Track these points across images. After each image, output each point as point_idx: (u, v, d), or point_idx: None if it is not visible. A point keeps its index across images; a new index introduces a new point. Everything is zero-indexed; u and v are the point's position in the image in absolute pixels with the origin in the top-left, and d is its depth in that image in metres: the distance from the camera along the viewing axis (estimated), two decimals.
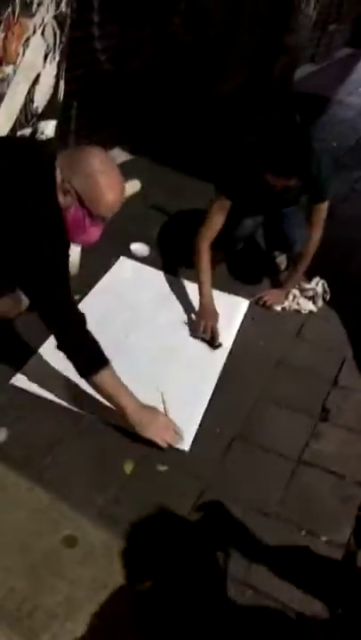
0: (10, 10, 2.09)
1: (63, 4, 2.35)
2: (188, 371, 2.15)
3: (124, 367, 2.05)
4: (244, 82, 5.37)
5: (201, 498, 1.73)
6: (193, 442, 1.88)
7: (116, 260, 2.71)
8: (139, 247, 2.81)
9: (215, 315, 2.34)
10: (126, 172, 3.44)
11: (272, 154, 2.04)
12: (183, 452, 1.84)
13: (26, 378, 1.96)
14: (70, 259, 2.42)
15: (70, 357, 1.70)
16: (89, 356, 1.71)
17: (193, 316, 2.42)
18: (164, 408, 1.93)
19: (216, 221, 2.33)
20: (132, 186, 3.29)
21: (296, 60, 5.85)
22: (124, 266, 2.68)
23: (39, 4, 2.22)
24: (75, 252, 2.46)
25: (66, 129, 3.17)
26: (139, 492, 1.69)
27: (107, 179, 1.59)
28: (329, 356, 2.38)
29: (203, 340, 2.30)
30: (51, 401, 1.91)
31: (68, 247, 1.77)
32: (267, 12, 5.06)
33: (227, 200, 2.30)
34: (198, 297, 2.38)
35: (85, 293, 2.43)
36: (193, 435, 1.89)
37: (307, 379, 2.25)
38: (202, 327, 2.30)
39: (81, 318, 1.71)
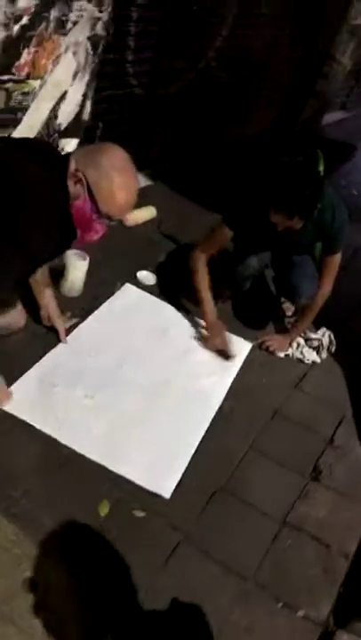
0: (43, 26, 2.07)
1: (99, 27, 2.34)
2: (179, 411, 2.06)
3: (114, 399, 2.00)
4: (271, 122, 5.38)
5: (176, 550, 1.62)
6: (175, 488, 1.78)
7: (121, 286, 2.64)
8: (145, 275, 2.74)
9: (222, 329, 2.40)
10: (143, 197, 3.44)
11: (276, 189, 1.98)
12: (163, 498, 1.74)
13: (11, 399, 1.87)
14: (73, 279, 2.38)
15: None
16: None
17: (203, 332, 2.45)
18: None
19: (213, 244, 2.33)
20: (147, 212, 3.25)
21: (326, 105, 5.87)
22: (127, 293, 2.60)
23: (75, 24, 2.20)
24: (79, 273, 2.40)
25: None
26: (111, 538, 1.59)
27: (122, 177, 1.54)
28: (328, 411, 2.29)
29: (217, 352, 2.37)
30: (31, 427, 1.81)
31: (67, 241, 1.71)
32: (302, 55, 5.10)
33: (229, 230, 2.27)
34: (203, 316, 2.42)
35: (84, 317, 2.36)
36: (176, 481, 1.79)
37: (302, 433, 2.15)
38: (212, 345, 2.37)
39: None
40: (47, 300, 2.10)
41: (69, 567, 1.48)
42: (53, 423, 1.84)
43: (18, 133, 2.23)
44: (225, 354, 2.36)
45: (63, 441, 1.81)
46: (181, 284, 2.74)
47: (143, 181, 3.75)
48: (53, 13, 2.07)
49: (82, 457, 1.77)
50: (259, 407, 2.22)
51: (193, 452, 1.91)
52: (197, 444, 1.95)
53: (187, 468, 1.85)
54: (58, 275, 2.43)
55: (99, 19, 2.30)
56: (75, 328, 2.27)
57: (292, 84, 5.33)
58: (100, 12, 2.28)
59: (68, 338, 2.19)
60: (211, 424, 2.05)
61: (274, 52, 4.60)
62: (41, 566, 1.45)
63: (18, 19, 1.95)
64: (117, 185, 1.54)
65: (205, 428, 2.02)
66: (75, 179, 1.55)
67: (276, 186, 1.97)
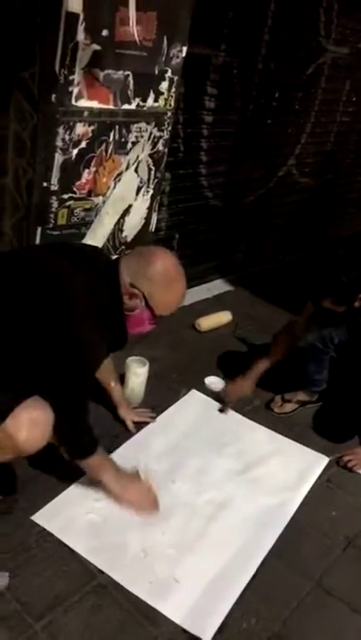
0: (103, 147, 2.20)
1: (160, 144, 2.45)
2: (232, 538, 1.81)
3: (162, 521, 1.82)
4: None
5: None
6: (220, 632, 1.53)
7: (187, 392, 2.53)
8: (213, 381, 2.62)
9: (244, 388, 2.44)
10: (221, 303, 3.42)
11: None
12: None
13: (49, 516, 1.78)
14: (133, 386, 2.33)
15: (63, 440, 1.64)
16: (83, 444, 1.68)
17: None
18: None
19: (301, 320, 2.37)
20: (223, 317, 3.19)
21: None
22: (192, 399, 2.48)
23: (134, 144, 2.32)
24: (138, 380, 2.34)
25: None
26: None
27: (176, 285, 1.64)
28: None
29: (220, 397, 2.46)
30: (66, 547, 1.69)
31: (122, 339, 1.73)
32: None
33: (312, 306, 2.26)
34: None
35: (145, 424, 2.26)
36: (218, 624, 1.54)
37: None
38: (227, 390, 2.46)
39: (87, 409, 1.65)
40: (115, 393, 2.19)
41: None
42: (90, 545, 1.70)
43: None
44: (223, 402, 2.43)
45: (100, 566, 1.65)
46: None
47: (226, 287, 3.76)
48: (112, 136, 2.21)
49: (114, 587, 1.60)
50: (331, 534, 1.91)
51: (243, 587, 1.65)
52: (248, 579, 1.68)
53: (236, 607, 1.60)
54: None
55: (160, 137, 2.42)
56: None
57: None
58: (161, 130, 2.40)
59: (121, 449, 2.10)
60: (270, 552, 1.79)
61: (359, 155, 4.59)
62: None
63: (76, 143, 2.09)
64: (174, 293, 1.64)
65: (261, 560, 1.76)
66: (130, 294, 1.61)
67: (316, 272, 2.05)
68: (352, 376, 2.34)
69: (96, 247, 1.85)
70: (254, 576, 1.70)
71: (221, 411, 2.41)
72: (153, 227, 2.66)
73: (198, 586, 1.64)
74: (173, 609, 1.56)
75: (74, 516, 1.78)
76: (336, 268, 1.95)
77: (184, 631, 1.52)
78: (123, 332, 1.69)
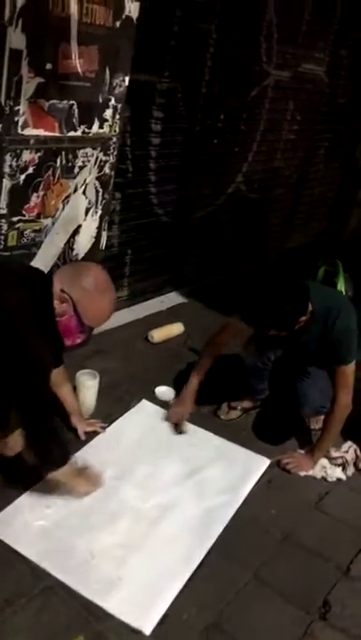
0: (50, 172, 2.32)
1: (107, 168, 2.58)
2: (175, 537, 1.94)
3: (109, 523, 1.94)
4: (318, 234, 5.51)
5: None
6: (162, 622, 1.65)
7: (137, 402, 2.65)
8: (163, 391, 2.74)
9: (186, 408, 2.50)
10: (175, 314, 3.56)
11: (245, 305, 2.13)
12: (143, 635, 1.61)
13: (1, 524, 1.87)
14: (83, 398, 2.44)
15: (40, 455, 1.81)
16: (58, 457, 1.84)
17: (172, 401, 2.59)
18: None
19: (225, 334, 2.48)
20: (175, 328, 3.33)
21: None
22: (142, 409, 2.61)
23: (81, 168, 2.45)
24: (88, 392, 2.45)
25: (119, 274, 3.35)
26: None
27: (105, 297, 1.76)
28: (348, 535, 2.08)
29: (173, 425, 2.50)
30: (15, 552, 1.78)
31: (61, 348, 1.85)
32: (340, 169, 5.31)
33: (241, 322, 2.28)
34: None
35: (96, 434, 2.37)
36: (160, 615, 1.66)
37: (314, 561, 1.95)
38: (171, 414, 2.51)
39: (53, 419, 1.82)
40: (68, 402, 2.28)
41: None
42: (40, 550, 1.80)
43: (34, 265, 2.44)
44: (178, 428, 2.48)
45: (49, 569, 1.75)
46: (200, 399, 2.72)
47: (179, 299, 3.90)
48: (59, 161, 2.33)
49: (62, 588, 1.70)
50: (270, 530, 2.05)
51: (185, 580, 1.78)
52: (192, 571, 1.81)
53: (178, 598, 1.72)
54: None
55: (106, 161, 2.55)
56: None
57: (335, 196, 5.52)
58: (107, 155, 2.53)
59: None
60: (212, 547, 1.92)
61: (308, 169, 4.81)
62: None
63: (23, 169, 2.20)
64: (101, 303, 1.75)
65: (205, 553, 1.89)
66: (61, 299, 1.72)
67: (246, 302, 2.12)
68: (287, 385, 2.51)
69: (30, 266, 1.97)
70: (197, 569, 1.83)
71: (180, 432, 2.47)
72: (103, 245, 2.79)
73: (141, 583, 1.75)
74: (117, 605, 1.67)
75: (26, 524, 1.88)
76: (282, 300, 2.00)
77: (125, 625, 1.63)
78: (58, 337, 1.78)
